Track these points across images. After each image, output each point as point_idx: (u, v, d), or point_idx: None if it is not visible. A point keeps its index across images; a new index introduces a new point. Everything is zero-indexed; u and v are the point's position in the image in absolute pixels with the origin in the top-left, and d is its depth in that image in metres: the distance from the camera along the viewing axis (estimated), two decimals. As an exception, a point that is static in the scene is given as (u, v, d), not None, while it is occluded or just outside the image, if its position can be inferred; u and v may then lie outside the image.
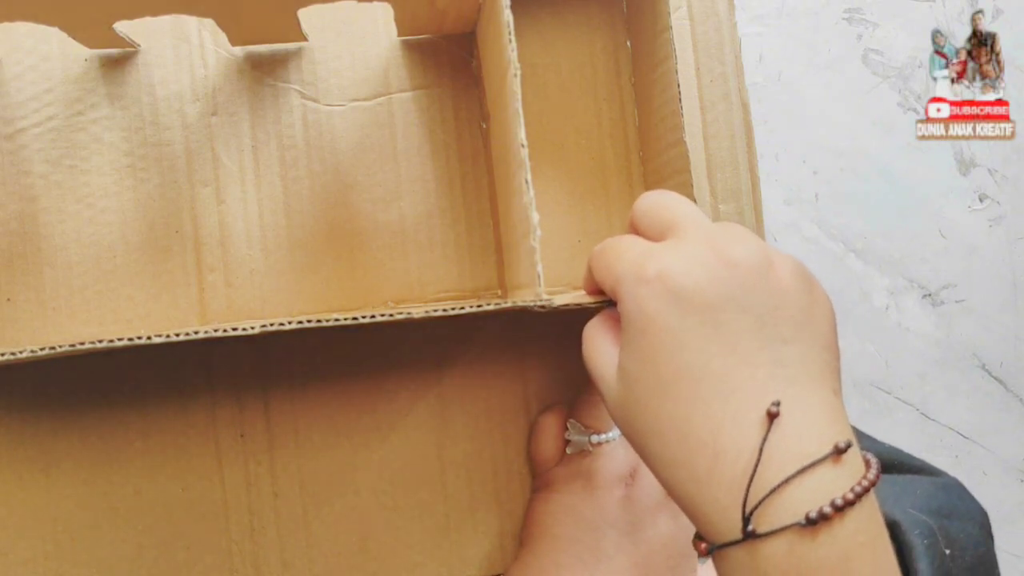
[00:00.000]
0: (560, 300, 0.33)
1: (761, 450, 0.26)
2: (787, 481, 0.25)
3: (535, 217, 0.28)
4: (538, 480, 0.42)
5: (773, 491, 0.25)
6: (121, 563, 0.40)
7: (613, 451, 0.39)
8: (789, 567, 0.25)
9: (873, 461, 0.27)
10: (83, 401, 0.40)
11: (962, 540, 0.30)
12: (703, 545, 0.27)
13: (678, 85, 0.35)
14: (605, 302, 0.33)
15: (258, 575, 0.40)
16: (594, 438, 0.39)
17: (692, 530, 0.37)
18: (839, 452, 0.26)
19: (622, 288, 0.29)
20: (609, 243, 0.31)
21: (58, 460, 0.40)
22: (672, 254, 0.28)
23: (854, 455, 0.26)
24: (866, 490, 0.25)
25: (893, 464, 0.38)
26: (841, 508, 0.25)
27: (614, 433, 0.39)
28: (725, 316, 0.27)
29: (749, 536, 0.26)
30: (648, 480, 0.39)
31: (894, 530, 0.28)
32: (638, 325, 0.28)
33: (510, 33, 0.30)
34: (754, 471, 0.26)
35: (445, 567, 0.41)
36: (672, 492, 0.28)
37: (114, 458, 0.40)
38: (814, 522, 0.25)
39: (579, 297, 0.33)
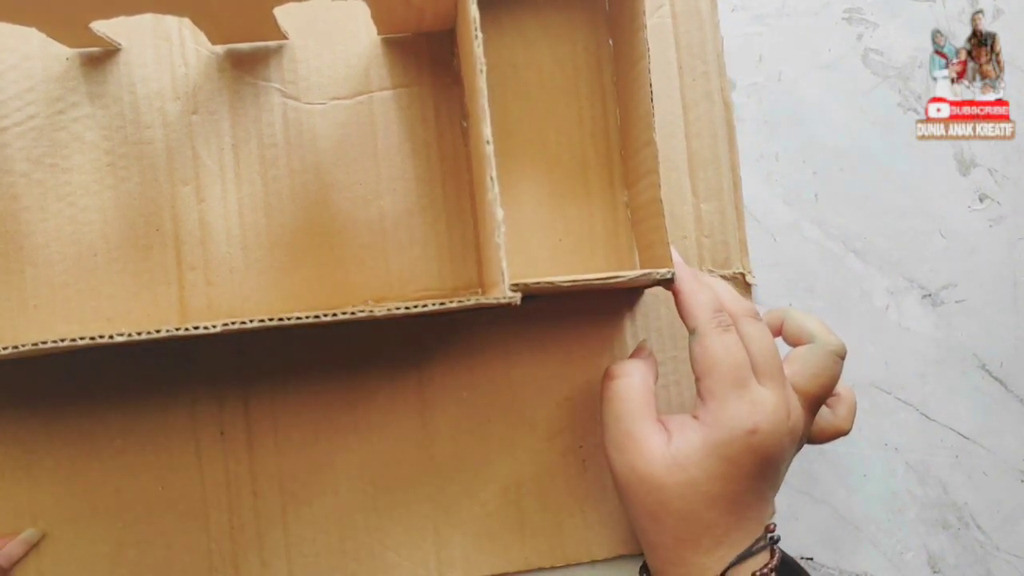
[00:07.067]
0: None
1: None
2: None
3: (499, 213, 0.28)
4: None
5: None
6: (101, 561, 0.40)
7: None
8: None
9: None
10: (64, 400, 0.40)
11: None
12: None
13: (650, 84, 0.35)
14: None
15: (237, 574, 0.40)
16: None
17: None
18: None
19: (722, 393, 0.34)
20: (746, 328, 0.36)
21: (39, 459, 0.40)
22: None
23: None
24: None
25: None
26: None
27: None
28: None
29: None
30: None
31: None
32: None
33: (476, 28, 0.30)
34: None
35: (424, 568, 0.41)
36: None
37: (94, 456, 0.40)
38: None
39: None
